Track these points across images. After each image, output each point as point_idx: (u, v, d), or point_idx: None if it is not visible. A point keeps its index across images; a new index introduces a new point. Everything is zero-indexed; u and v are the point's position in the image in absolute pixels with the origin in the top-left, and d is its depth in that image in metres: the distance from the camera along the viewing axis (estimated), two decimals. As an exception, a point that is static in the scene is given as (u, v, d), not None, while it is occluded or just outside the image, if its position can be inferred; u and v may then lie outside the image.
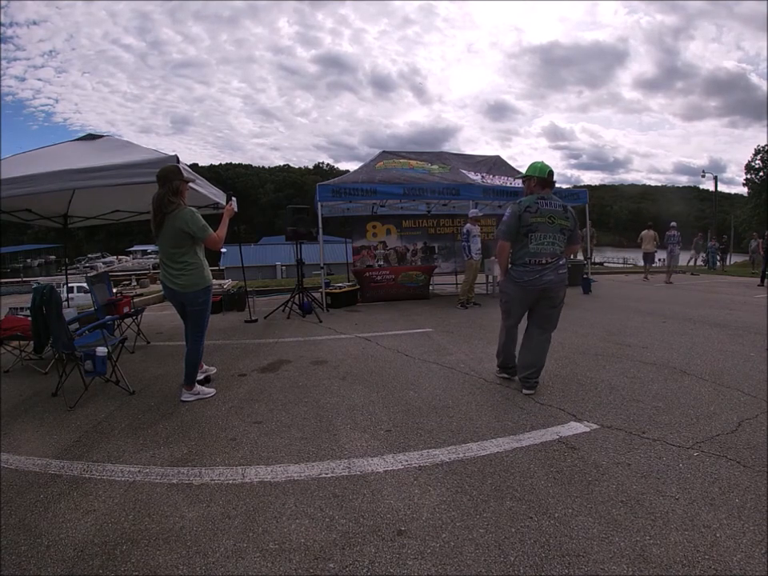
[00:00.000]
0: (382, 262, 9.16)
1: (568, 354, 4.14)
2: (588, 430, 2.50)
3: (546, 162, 3.12)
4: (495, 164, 9.99)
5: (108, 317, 4.46)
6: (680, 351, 4.14)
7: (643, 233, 12.07)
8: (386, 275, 8.47)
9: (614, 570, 1.45)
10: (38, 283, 4.00)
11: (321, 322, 6.27)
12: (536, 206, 3.00)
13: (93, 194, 5.02)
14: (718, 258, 16.98)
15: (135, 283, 22.99)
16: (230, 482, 2.10)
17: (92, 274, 8.47)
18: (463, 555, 1.56)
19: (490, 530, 1.68)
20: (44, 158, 4.18)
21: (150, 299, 10.40)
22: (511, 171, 9.75)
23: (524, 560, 1.52)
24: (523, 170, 3.48)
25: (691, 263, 16.75)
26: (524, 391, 3.12)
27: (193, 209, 3.13)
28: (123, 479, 2.14)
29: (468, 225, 7.26)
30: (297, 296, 7.05)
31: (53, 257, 51.67)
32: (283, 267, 29.22)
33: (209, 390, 3.33)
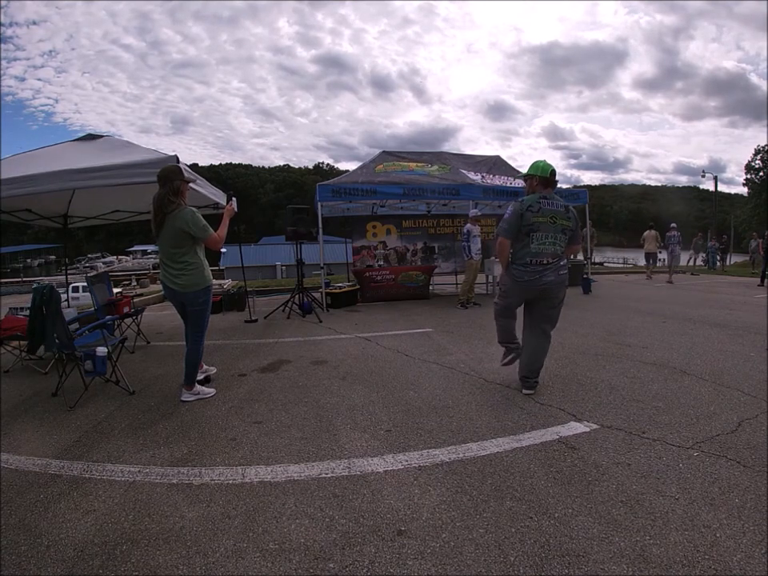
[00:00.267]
0: (382, 262, 9.17)
1: (568, 354, 4.14)
2: (588, 430, 2.50)
3: (549, 162, 3.11)
4: (495, 164, 9.99)
5: (108, 317, 4.46)
6: (680, 351, 4.14)
7: (646, 233, 12.31)
8: (386, 275, 8.48)
9: (613, 569, 1.45)
10: (39, 283, 3.99)
11: (321, 321, 6.27)
12: (538, 206, 2.99)
13: (93, 193, 5.02)
14: (718, 258, 17.00)
15: (135, 283, 23.00)
16: (230, 482, 2.10)
17: (92, 274, 8.47)
18: (463, 555, 1.56)
19: (489, 530, 1.68)
20: (44, 158, 4.18)
21: (150, 299, 10.40)
22: (511, 171, 9.75)
23: (524, 560, 1.52)
24: (524, 170, 3.48)
25: (691, 263, 16.76)
26: (524, 391, 3.12)
27: (193, 209, 3.13)
28: (123, 479, 2.14)
29: (468, 225, 7.26)
30: (297, 296, 7.05)
31: (53, 257, 51.68)
32: (283, 267, 29.22)
33: (209, 390, 3.33)
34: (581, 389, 3.18)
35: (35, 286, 3.51)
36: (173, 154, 3.93)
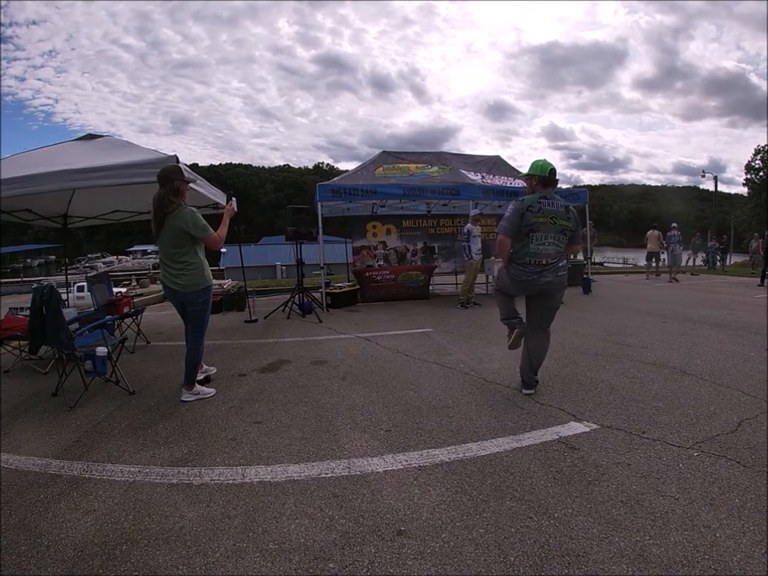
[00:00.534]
0: (382, 262, 9.17)
1: (568, 354, 4.14)
2: (588, 429, 2.50)
3: (549, 161, 3.08)
4: (495, 164, 9.99)
5: (108, 317, 4.46)
6: (680, 351, 4.14)
7: (649, 233, 12.69)
8: (386, 275, 8.48)
9: (613, 570, 1.45)
10: (40, 283, 3.99)
11: (321, 321, 6.27)
12: (538, 206, 2.98)
13: (93, 193, 5.02)
14: (718, 257, 17.03)
15: (135, 283, 23.00)
16: (230, 482, 2.10)
17: (92, 274, 8.48)
18: (463, 555, 1.56)
19: (489, 530, 1.68)
20: (44, 158, 4.18)
21: (150, 299, 10.40)
22: (511, 171, 9.75)
23: (524, 560, 1.52)
24: (523, 170, 3.47)
25: (690, 263, 16.78)
26: (524, 391, 3.12)
27: (193, 209, 3.13)
28: (123, 479, 2.14)
29: (469, 225, 7.26)
30: (297, 296, 7.05)
31: (53, 257, 51.66)
32: (283, 267, 29.21)
33: (209, 390, 3.33)
34: (581, 389, 3.18)
35: (35, 286, 3.50)
36: (173, 154, 3.93)
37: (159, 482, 2.11)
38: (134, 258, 51.10)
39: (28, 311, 3.72)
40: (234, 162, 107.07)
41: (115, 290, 7.78)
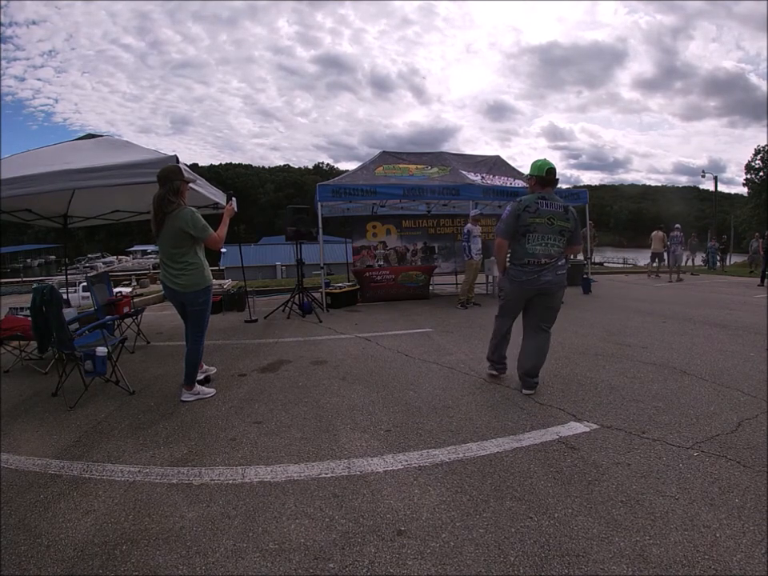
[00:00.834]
0: (382, 262, 9.16)
1: (568, 354, 4.14)
2: (588, 429, 2.50)
3: (549, 160, 3.07)
4: (495, 164, 9.98)
5: (108, 317, 4.46)
6: (680, 351, 4.14)
7: (653, 233, 12.90)
8: (386, 275, 8.47)
9: (613, 570, 1.45)
10: (40, 283, 3.99)
11: (321, 321, 6.27)
12: (535, 206, 2.97)
13: (93, 193, 5.02)
14: (718, 258, 17.04)
15: (135, 283, 23.00)
16: (230, 482, 2.10)
17: (92, 274, 8.48)
18: (463, 555, 1.56)
19: (489, 530, 1.68)
20: (44, 158, 4.18)
21: (150, 299, 10.40)
22: (511, 171, 9.75)
23: (524, 560, 1.52)
24: (523, 170, 3.48)
25: (689, 263, 16.78)
26: (524, 391, 3.11)
27: (193, 209, 3.13)
28: (123, 479, 2.14)
29: (469, 225, 7.26)
30: (297, 296, 7.05)
31: (53, 257, 51.65)
32: (283, 267, 29.19)
33: (209, 390, 3.33)
34: (581, 389, 3.18)
35: (35, 286, 3.50)
36: (173, 154, 3.94)
37: (159, 482, 2.11)
38: (133, 258, 51.09)
39: (28, 311, 3.72)
40: (233, 162, 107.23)
41: (116, 290, 7.78)
